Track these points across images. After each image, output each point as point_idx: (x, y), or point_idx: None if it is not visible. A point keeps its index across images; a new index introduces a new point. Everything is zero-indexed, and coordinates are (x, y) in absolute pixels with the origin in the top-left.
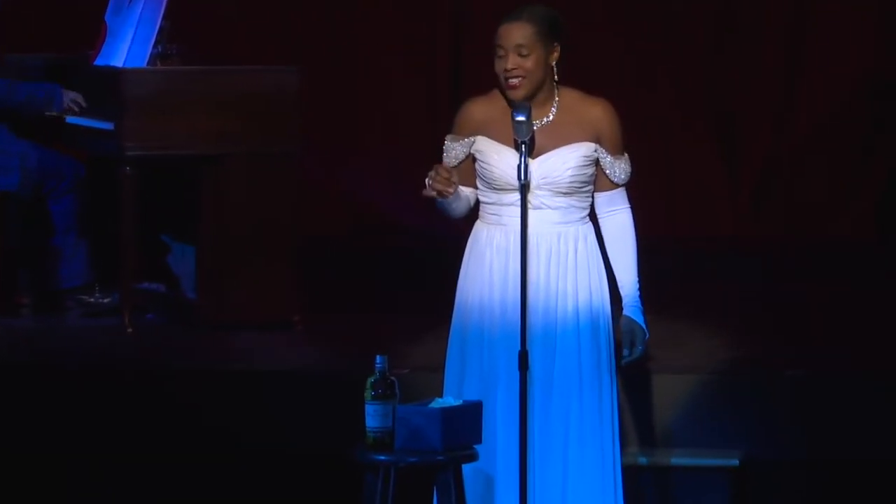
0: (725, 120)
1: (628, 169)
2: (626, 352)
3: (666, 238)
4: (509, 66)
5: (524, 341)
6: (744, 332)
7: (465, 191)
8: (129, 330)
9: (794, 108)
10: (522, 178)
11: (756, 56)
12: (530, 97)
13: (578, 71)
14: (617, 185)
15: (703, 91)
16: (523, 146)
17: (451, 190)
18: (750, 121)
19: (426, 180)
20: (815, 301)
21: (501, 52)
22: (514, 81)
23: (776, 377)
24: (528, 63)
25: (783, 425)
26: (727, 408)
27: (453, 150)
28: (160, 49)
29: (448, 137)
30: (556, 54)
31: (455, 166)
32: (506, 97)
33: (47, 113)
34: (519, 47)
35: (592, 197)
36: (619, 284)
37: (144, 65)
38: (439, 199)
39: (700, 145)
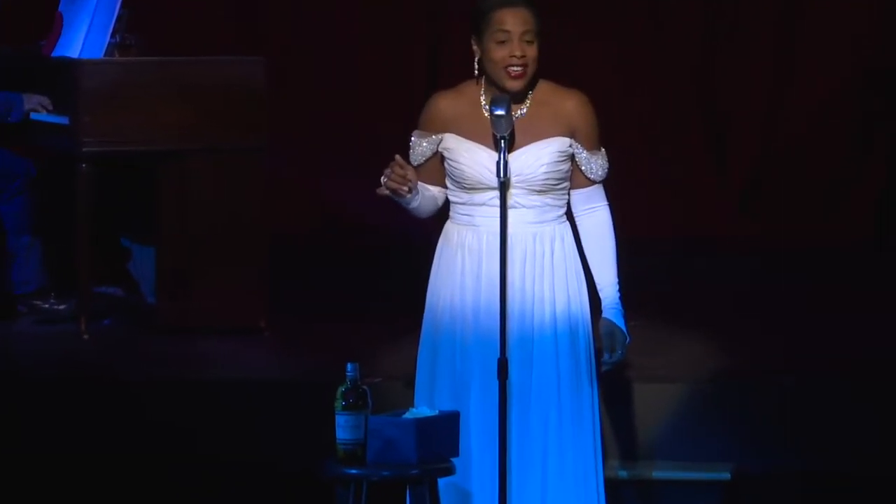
0: (717, 117)
1: (606, 164)
2: (605, 356)
3: (653, 239)
4: (518, 52)
5: (503, 348)
6: (734, 337)
7: (433, 190)
8: (86, 336)
9: (788, 105)
10: (502, 175)
11: (749, 52)
12: (526, 89)
13: (569, 69)
14: (594, 182)
15: (694, 88)
16: (503, 141)
17: (405, 188)
18: (742, 118)
19: (382, 178)
20: (809, 304)
21: (504, 38)
22: (518, 70)
23: (769, 385)
24: (533, 51)
25: (777, 436)
26: (717, 418)
27: (419, 147)
28: (118, 39)
29: (415, 133)
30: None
31: (421, 164)
32: (499, 87)
33: (6, 121)
34: (525, 34)
35: (569, 195)
36: (598, 286)
37: (101, 55)
38: (396, 199)
39: (690, 143)
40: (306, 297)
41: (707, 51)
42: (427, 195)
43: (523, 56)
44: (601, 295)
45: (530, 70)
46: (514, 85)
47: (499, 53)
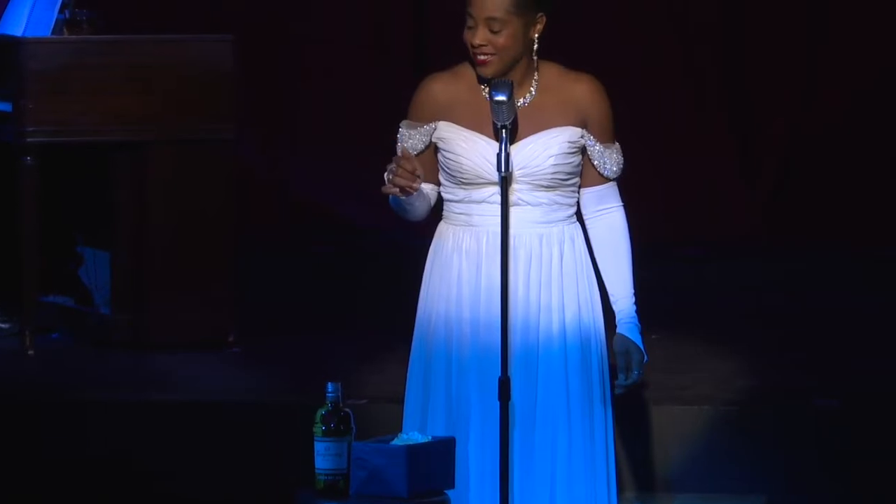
0: (744, 111)
1: (621, 159)
2: (621, 377)
3: (674, 243)
4: (477, 40)
5: (505, 366)
6: (767, 353)
7: (426, 188)
8: (31, 352)
9: (820, 98)
10: (504, 169)
11: (779, 41)
12: (503, 74)
13: (588, 63)
14: (608, 180)
15: (720, 80)
16: (504, 131)
17: (415, 185)
18: (771, 112)
19: (385, 174)
20: (851, 316)
21: (471, 23)
22: (483, 58)
23: (807, 408)
24: (500, 39)
25: (816, 465)
26: (748, 445)
27: (409, 139)
28: (67, 14)
29: (403, 123)
30: (539, 26)
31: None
32: (476, 72)
33: None
34: (490, 21)
35: (578, 193)
36: (612, 298)
37: (48, 34)
38: (401, 198)
39: (715, 139)
40: (280, 307)
41: (734, 41)
42: (423, 194)
43: (483, 45)
44: (615, 308)
45: (500, 58)
46: (484, 72)
47: (466, 37)
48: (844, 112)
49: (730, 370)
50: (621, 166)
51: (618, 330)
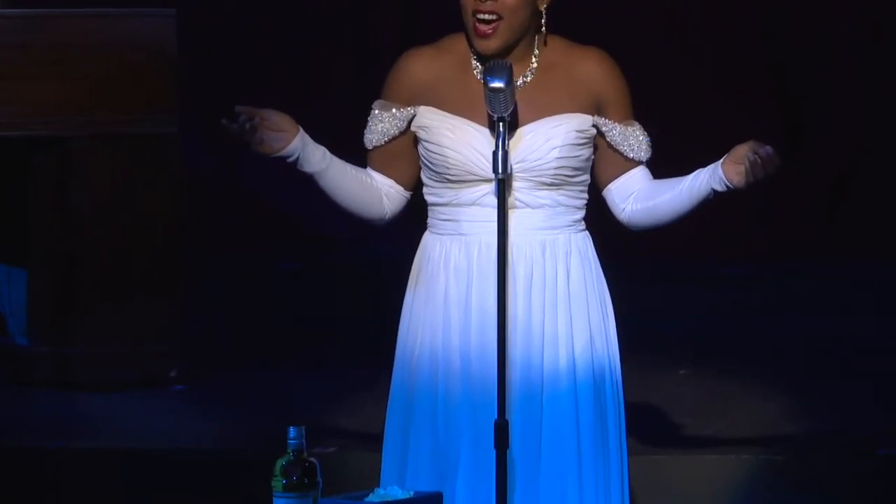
0: (794, 115)
1: (648, 139)
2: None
3: (709, 261)
4: None
5: (503, 408)
6: (816, 391)
7: (384, 182)
8: None
9: (878, 103)
10: (501, 170)
11: (827, 47)
12: (506, 52)
13: (624, 59)
14: (638, 163)
15: (767, 86)
16: (502, 125)
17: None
18: (825, 117)
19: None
20: None
21: None
22: (486, 27)
23: (864, 458)
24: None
25: None
26: (795, 500)
27: (380, 124)
28: None
29: (376, 104)
30: None
31: (381, 146)
32: (471, 47)
33: None
34: None
35: (587, 192)
36: (694, 182)
37: None
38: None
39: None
40: (235, 335)
41: (781, 46)
42: (349, 173)
43: (489, 1)
44: (701, 177)
45: (507, 26)
46: (483, 46)
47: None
48: None
49: (774, 412)
50: (651, 146)
51: (720, 166)
